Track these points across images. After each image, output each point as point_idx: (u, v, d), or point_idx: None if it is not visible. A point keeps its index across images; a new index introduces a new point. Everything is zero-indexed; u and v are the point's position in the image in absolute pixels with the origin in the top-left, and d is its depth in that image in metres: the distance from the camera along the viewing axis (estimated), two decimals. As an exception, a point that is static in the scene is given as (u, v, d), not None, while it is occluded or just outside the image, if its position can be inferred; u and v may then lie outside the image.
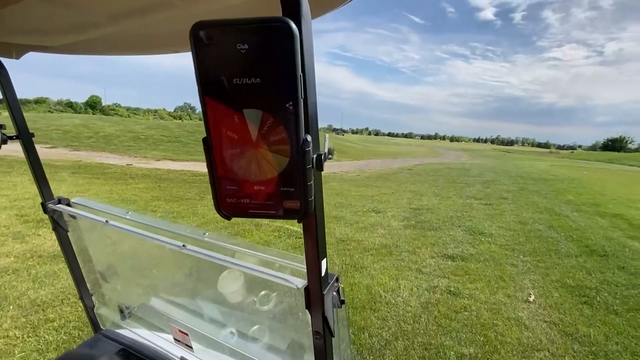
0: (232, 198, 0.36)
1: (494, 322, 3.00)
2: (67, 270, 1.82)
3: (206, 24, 0.29)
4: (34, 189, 6.87)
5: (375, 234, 5.34)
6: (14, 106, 1.04)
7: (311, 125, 0.34)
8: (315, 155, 0.36)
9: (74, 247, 1.23)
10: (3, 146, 1.05)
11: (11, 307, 2.84)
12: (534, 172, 17.49)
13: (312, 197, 0.35)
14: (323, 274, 0.57)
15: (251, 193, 0.35)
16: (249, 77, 0.30)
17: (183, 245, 0.78)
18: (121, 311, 1.25)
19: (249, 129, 0.32)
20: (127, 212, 1.01)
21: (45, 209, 1.13)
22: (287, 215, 0.35)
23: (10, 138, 1.02)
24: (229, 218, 0.37)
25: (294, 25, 0.29)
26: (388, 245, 4.83)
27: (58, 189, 7.01)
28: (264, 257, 0.72)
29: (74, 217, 1.16)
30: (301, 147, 0.32)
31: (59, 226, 1.16)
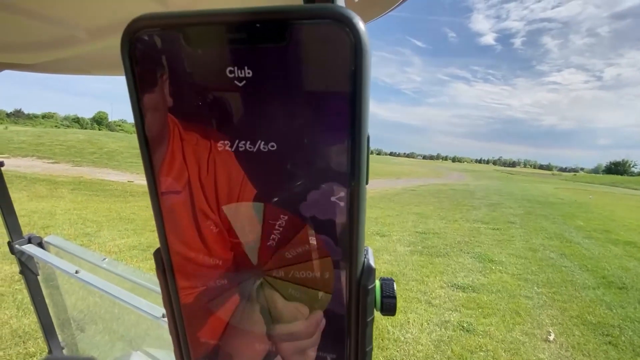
0: None
1: (513, 365, 2.75)
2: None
3: (157, 19, 0.14)
4: (31, 205, 6.74)
5: (380, 260, 5.11)
6: None
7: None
8: (384, 292, 0.19)
9: (44, 292, 1.06)
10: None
11: (-11, 338, 2.63)
12: (540, 195, 17.24)
13: None
14: None
15: (250, 355, 0.18)
16: (252, 139, 0.15)
17: (163, 316, 0.61)
18: (95, 371, 1.07)
19: (247, 240, 0.16)
20: (104, 259, 0.85)
21: (12, 250, 0.97)
22: None
23: None
24: None
25: (361, 25, 0.13)
26: (395, 273, 4.60)
27: (56, 206, 6.87)
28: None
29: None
30: (360, 282, 0.16)
31: (28, 269, 0.99)
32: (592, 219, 10.12)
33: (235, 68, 0.14)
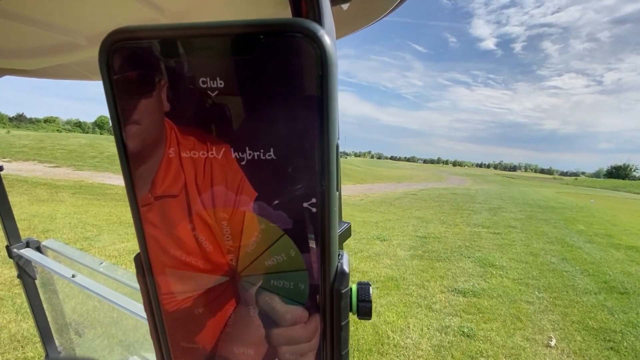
0: None
1: (514, 370, 2.73)
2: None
3: (132, 32, 0.15)
4: (31, 209, 6.75)
5: (380, 265, 5.09)
6: None
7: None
8: (360, 296, 0.20)
9: (42, 296, 1.06)
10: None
11: (-13, 343, 2.62)
12: (541, 199, 17.20)
13: None
14: None
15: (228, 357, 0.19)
16: (222, 147, 0.16)
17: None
18: (91, 376, 1.06)
19: (238, 245, 0.17)
20: (101, 263, 0.85)
21: (10, 254, 0.98)
22: None
23: None
24: None
25: (326, 39, 0.14)
26: (395, 278, 4.58)
27: (56, 210, 6.87)
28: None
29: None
30: (333, 286, 0.16)
31: (25, 273, 1.00)
32: (593, 224, 10.08)
33: (208, 79, 0.15)
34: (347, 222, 0.30)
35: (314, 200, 0.16)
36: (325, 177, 0.15)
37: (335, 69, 0.14)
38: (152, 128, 0.15)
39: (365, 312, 0.20)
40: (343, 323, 0.17)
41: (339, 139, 0.15)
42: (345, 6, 0.30)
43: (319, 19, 0.18)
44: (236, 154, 0.16)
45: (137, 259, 0.18)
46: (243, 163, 0.16)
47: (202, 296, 0.18)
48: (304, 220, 0.16)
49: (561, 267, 5.55)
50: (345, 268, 0.16)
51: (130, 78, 0.15)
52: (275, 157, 0.15)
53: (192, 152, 0.15)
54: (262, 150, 0.15)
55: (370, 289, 0.20)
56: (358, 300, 0.20)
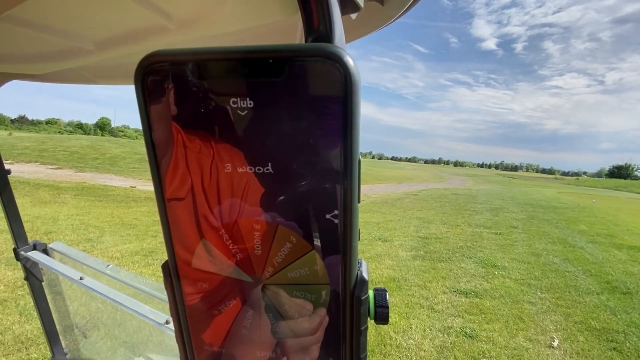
0: None
1: (517, 371, 2.72)
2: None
3: (166, 55, 0.16)
4: (34, 210, 6.77)
5: (382, 265, 5.10)
6: None
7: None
8: (377, 302, 0.20)
9: (49, 297, 1.07)
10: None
11: (-9, 344, 2.63)
12: (542, 199, 17.17)
13: None
14: None
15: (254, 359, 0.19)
16: (252, 163, 0.16)
17: (166, 322, 0.62)
18: (97, 377, 1.07)
19: (246, 247, 0.18)
20: (108, 266, 0.86)
21: (17, 256, 0.98)
22: None
23: None
24: None
25: (351, 62, 0.15)
26: (397, 279, 4.58)
27: (59, 212, 6.90)
28: None
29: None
30: (353, 293, 0.17)
31: (33, 276, 1.01)
32: (595, 224, 10.05)
33: (238, 99, 0.16)
34: None
35: (336, 212, 0.17)
36: (347, 190, 0.16)
37: (358, 90, 0.15)
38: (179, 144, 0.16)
39: (382, 317, 0.21)
40: (362, 328, 0.18)
41: (359, 156, 0.16)
42: (353, 16, 0.31)
43: (329, 29, 0.19)
44: (261, 168, 0.16)
45: (165, 266, 0.18)
46: (266, 176, 0.16)
47: (215, 298, 0.19)
48: (325, 231, 0.17)
49: (563, 267, 5.54)
50: (365, 275, 0.17)
51: (163, 98, 0.16)
52: (299, 172, 0.16)
53: (227, 167, 0.16)
54: (286, 165, 0.16)
55: (387, 294, 0.21)
56: (376, 306, 0.21)
